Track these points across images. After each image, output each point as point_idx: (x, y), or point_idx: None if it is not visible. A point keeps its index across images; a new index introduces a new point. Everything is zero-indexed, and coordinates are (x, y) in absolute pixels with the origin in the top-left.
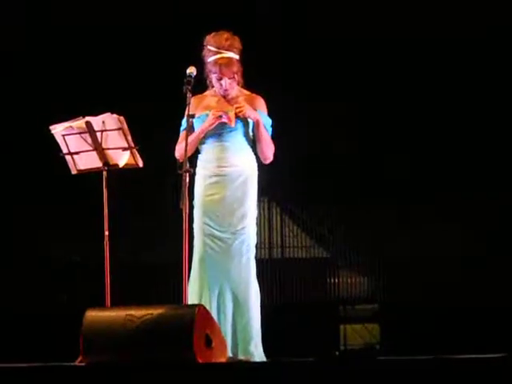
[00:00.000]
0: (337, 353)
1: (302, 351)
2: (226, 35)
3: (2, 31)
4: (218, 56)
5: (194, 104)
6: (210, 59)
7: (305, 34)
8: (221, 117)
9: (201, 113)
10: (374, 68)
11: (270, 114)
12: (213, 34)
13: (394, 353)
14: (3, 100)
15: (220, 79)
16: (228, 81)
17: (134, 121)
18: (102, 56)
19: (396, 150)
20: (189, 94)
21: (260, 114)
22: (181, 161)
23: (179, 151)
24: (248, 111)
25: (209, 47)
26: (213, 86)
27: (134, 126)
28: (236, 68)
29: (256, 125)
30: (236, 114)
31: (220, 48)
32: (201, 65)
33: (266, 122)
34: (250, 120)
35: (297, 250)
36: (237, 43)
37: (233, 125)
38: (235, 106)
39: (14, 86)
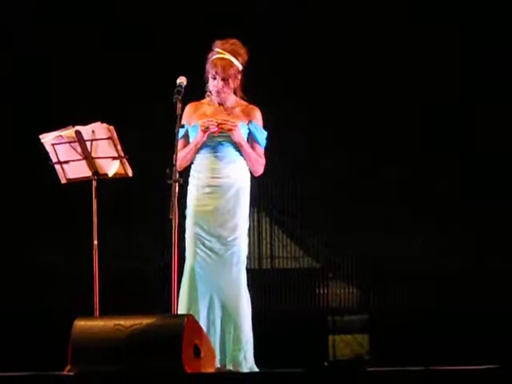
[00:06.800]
0: (325, 363)
1: (291, 362)
2: (232, 41)
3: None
4: (217, 56)
5: (189, 111)
6: (210, 59)
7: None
8: (207, 128)
9: (196, 121)
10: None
11: (265, 126)
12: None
13: (384, 364)
14: None
15: (214, 78)
16: (221, 82)
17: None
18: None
19: (391, 160)
20: (178, 104)
21: (254, 127)
22: (179, 170)
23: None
24: (235, 136)
25: (213, 49)
26: (211, 92)
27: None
28: (232, 72)
29: (240, 146)
30: (225, 130)
31: (222, 50)
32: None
33: (259, 134)
34: (243, 129)
35: (286, 261)
36: (242, 51)
37: (216, 134)
38: (228, 122)
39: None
